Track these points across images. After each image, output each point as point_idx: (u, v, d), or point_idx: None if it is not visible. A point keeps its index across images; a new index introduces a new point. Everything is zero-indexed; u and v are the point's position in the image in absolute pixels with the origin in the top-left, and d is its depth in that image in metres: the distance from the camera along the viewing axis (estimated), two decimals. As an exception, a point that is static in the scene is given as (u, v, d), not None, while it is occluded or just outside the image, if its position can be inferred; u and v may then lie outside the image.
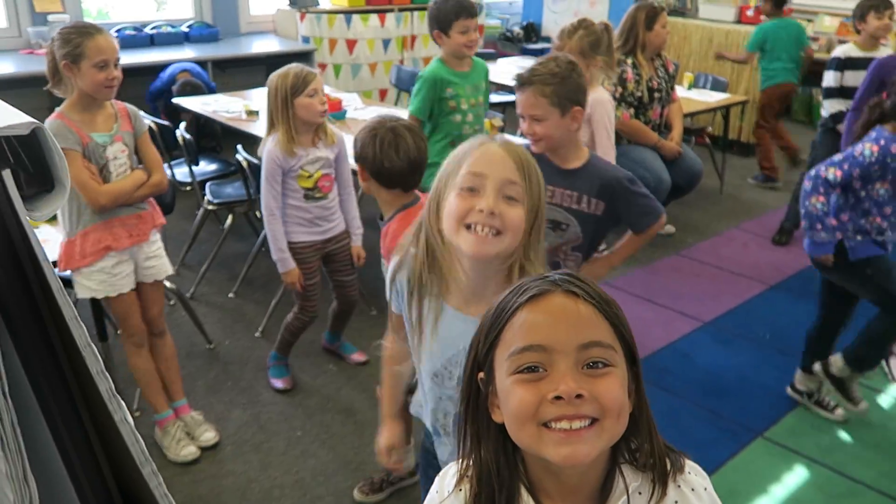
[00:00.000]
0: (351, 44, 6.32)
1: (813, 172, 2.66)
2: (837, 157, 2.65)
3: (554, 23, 7.42)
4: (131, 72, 5.06)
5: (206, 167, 4.23)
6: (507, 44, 7.58)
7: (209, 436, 2.70)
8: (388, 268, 1.57)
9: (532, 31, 7.66)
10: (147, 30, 5.67)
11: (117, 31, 5.51)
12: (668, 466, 0.94)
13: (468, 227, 1.32)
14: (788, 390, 3.08)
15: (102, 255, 2.44)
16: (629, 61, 4.07)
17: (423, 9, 6.80)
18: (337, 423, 2.85)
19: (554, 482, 0.94)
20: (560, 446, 0.86)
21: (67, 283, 2.51)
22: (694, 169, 4.45)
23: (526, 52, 7.18)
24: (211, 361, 3.21)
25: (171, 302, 3.58)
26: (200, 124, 4.46)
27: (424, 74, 3.18)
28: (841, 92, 4.31)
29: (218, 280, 3.85)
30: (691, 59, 6.44)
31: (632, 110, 4.17)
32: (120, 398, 0.63)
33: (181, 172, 4.04)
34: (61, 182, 0.61)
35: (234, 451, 2.69)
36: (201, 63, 5.40)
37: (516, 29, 7.70)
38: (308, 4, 6.17)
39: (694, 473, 0.97)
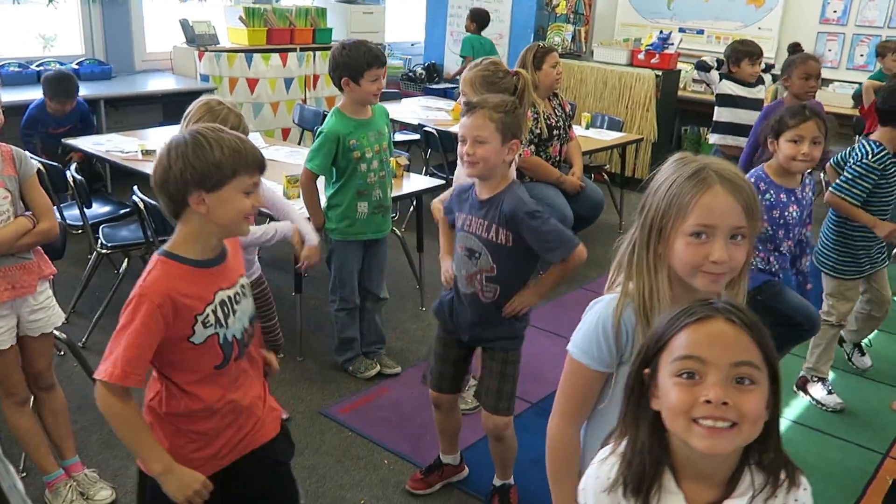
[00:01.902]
0: (252, 83, 6.23)
1: None
2: None
3: (455, 63, 7.56)
4: (17, 109, 4.84)
5: (98, 209, 4.04)
6: (410, 84, 7.66)
7: (105, 494, 2.52)
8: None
9: (434, 71, 7.77)
10: (34, 66, 5.42)
11: (0, 66, 5.24)
12: (783, 476, 1.16)
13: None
14: None
15: None
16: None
17: (325, 48, 6.80)
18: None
19: (692, 467, 1.16)
20: (704, 439, 1.08)
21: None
22: (596, 199, 4.60)
23: (429, 92, 7.27)
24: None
25: (61, 352, 3.37)
26: (88, 164, 4.25)
27: (325, 130, 3.08)
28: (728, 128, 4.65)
29: (112, 327, 3.58)
30: (588, 100, 6.68)
31: (532, 147, 4.26)
32: (8, 462, 0.57)
33: (71, 215, 3.83)
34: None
35: (133, 509, 2.52)
36: (92, 101, 5.20)
37: (418, 69, 7.79)
38: (207, 42, 6.06)
39: (803, 489, 1.18)
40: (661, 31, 6.58)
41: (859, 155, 3.11)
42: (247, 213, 1.65)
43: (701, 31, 7.93)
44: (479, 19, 7.03)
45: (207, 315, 1.64)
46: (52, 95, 4.48)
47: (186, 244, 1.64)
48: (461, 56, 7.09)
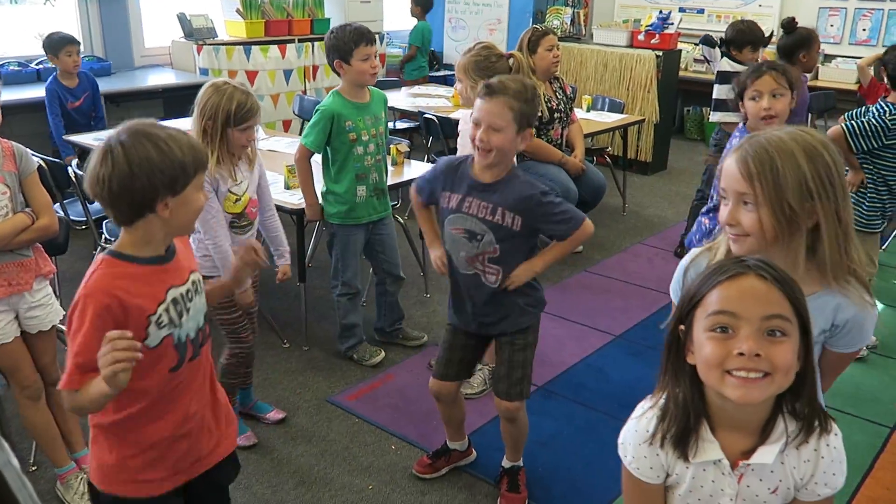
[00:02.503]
0: (252, 75, 6.23)
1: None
2: None
3: (454, 50, 7.54)
4: (19, 108, 4.85)
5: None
6: (410, 72, 7.63)
7: (115, 486, 2.54)
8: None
9: (434, 58, 7.74)
10: (33, 65, 5.43)
11: (0, 66, 5.25)
12: (816, 423, 1.21)
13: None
14: None
15: None
16: (529, 83, 4.16)
17: (323, 39, 6.79)
18: (253, 463, 2.75)
19: (727, 417, 1.22)
20: (737, 389, 1.14)
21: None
22: (598, 182, 4.58)
23: (430, 80, 7.25)
24: (114, 407, 3.04)
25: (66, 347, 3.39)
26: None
27: (322, 107, 3.10)
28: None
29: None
30: (588, 83, 6.65)
31: (533, 129, 4.25)
32: (2, 439, 0.57)
33: (75, 211, 3.85)
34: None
35: (143, 499, 2.54)
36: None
37: (418, 57, 7.76)
38: (205, 36, 6.05)
39: (834, 434, 1.25)
40: (660, 11, 6.53)
41: (877, 112, 3.23)
42: (202, 209, 1.60)
43: (701, 11, 7.89)
44: (425, 3, 6.98)
45: (160, 315, 1.55)
46: (60, 46, 4.59)
47: (136, 247, 1.56)
48: (409, 45, 7.05)
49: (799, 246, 1.38)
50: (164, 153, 1.49)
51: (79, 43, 4.76)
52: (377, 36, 5.68)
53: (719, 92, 4.72)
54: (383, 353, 3.40)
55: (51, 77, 4.77)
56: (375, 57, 3.09)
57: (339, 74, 3.11)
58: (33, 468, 2.65)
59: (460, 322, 2.45)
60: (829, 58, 7.29)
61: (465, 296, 2.37)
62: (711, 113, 4.67)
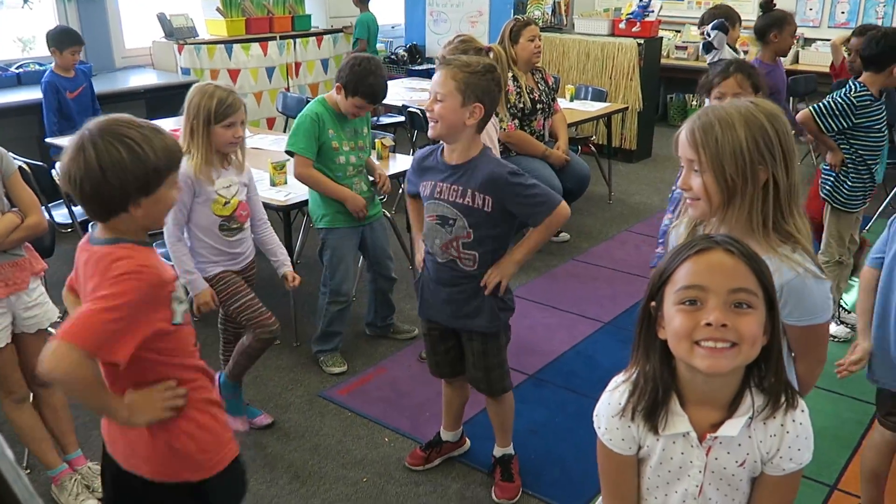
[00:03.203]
0: (234, 73, 6.21)
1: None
2: None
3: (436, 43, 7.53)
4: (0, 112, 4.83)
5: (87, 207, 4.04)
6: (393, 66, 7.63)
7: (109, 487, 2.55)
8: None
9: (416, 52, 7.74)
10: (13, 69, 5.40)
11: (-21, 71, 5.22)
12: (783, 399, 1.24)
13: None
14: None
15: None
16: (510, 75, 4.17)
17: (306, 35, 6.77)
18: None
19: (697, 391, 1.25)
20: (705, 359, 1.17)
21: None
22: (582, 173, 4.60)
23: (412, 74, 7.25)
24: (106, 409, 3.04)
25: (59, 350, 3.38)
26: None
27: (306, 112, 3.10)
28: None
29: (108, 324, 3.66)
30: (571, 73, 6.67)
31: (516, 121, 4.27)
32: (-4, 431, 0.58)
33: (60, 214, 3.84)
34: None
35: (138, 499, 2.54)
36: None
37: (400, 51, 7.76)
38: (186, 35, 6.03)
39: (801, 410, 1.26)
40: (640, 0, 6.56)
41: (844, 91, 3.29)
42: (175, 203, 1.62)
43: (682, -5, 7.92)
44: None
45: (179, 290, 1.61)
46: (67, 44, 4.64)
47: (127, 234, 1.58)
48: (356, 39, 6.93)
49: (748, 209, 1.45)
50: (137, 157, 1.49)
51: (83, 43, 4.84)
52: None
53: None
54: (346, 367, 3.33)
55: (47, 72, 4.75)
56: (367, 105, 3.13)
57: (336, 91, 3.09)
58: (27, 471, 2.65)
59: (432, 314, 2.41)
60: (808, 42, 7.34)
61: (440, 285, 2.34)
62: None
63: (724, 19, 4.55)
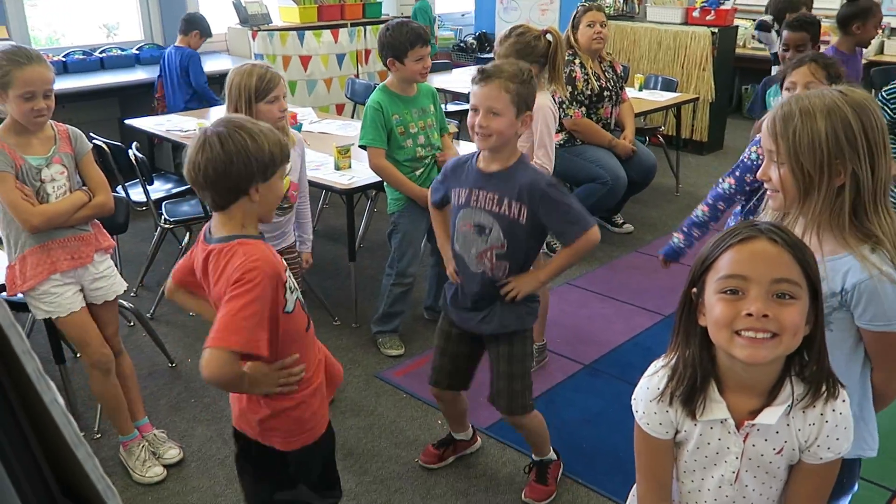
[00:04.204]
0: (305, 60, 6.32)
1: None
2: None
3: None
4: (82, 96, 5.05)
5: (160, 186, 4.20)
6: (461, 54, 7.65)
7: (173, 453, 2.66)
8: None
9: (485, 40, 7.74)
10: (97, 53, 5.62)
11: (66, 55, 5.46)
12: (824, 388, 1.22)
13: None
14: None
15: (43, 279, 2.40)
16: (577, 61, 4.13)
17: (376, 23, 6.84)
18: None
19: (736, 378, 1.24)
20: (745, 349, 1.16)
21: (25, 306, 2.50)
22: (648, 163, 4.53)
23: (480, 62, 7.25)
24: (173, 380, 3.17)
25: (131, 323, 3.54)
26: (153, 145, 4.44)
27: (369, 103, 3.14)
28: None
29: (178, 299, 3.81)
30: (642, 62, 6.55)
31: (583, 109, 4.23)
32: (48, 378, 0.63)
33: (136, 193, 4.00)
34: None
35: (199, 467, 2.65)
36: (152, 84, 5.38)
37: (469, 39, 7.77)
38: (260, 22, 6.16)
39: (842, 400, 1.25)
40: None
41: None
42: (282, 195, 1.74)
43: (761, -15, 7.67)
44: None
45: (288, 280, 1.70)
46: (205, 31, 5.28)
47: (245, 228, 1.69)
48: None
49: (826, 205, 1.39)
50: (258, 143, 1.64)
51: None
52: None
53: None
54: (403, 350, 3.37)
55: (191, 53, 5.19)
56: (428, 56, 3.14)
57: (389, 70, 3.13)
58: (97, 436, 2.79)
59: (457, 311, 2.36)
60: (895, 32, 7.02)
61: (469, 294, 2.29)
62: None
63: (780, 11, 4.39)
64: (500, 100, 2.07)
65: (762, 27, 4.74)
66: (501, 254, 2.20)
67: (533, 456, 2.58)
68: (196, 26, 5.24)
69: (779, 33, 4.57)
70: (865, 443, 1.52)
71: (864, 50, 4.17)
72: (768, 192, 1.50)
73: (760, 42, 4.75)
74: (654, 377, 1.33)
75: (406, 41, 3.03)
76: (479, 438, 2.77)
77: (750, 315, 1.15)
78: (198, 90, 5.20)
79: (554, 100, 3.07)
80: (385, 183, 3.27)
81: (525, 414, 2.37)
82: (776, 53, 4.57)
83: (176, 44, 5.22)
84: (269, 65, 2.65)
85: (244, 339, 1.56)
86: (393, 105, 3.13)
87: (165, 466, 2.62)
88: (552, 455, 2.56)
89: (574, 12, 4.21)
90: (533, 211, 2.13)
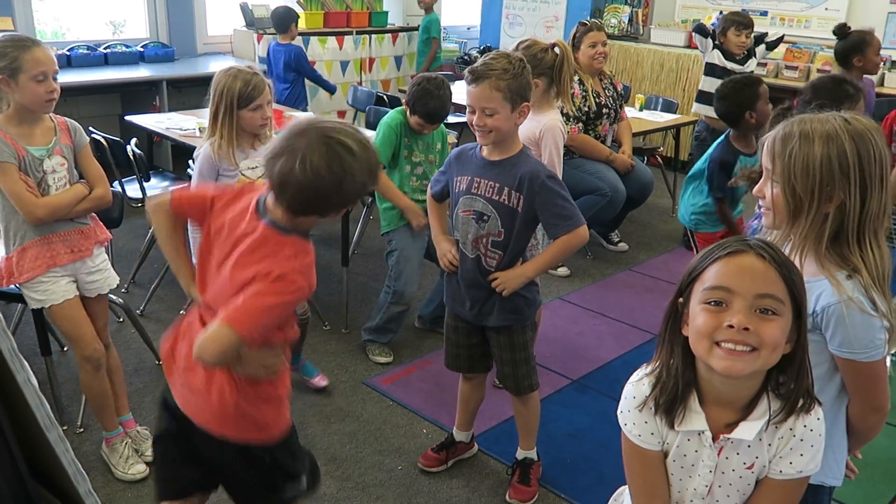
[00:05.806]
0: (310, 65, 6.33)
1: None
2: None
3: (511, 46, 7.54)
4: (84, 90, 5.06)
5: (157, 184, 4.20)
6: (465, 67, 7.67)
7: (155, 451, 2.65)
8: None
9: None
10: (101, 49, 5.64)
11: (70, 49, 5.47)
12: (800, 404, 1.23)
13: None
14: None
15: (41, 272, 2.39)
16: (576, 78, 4.15)
17: (381, 32, 6.88)
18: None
19: (714, 391, 1.25)
20: (723, 360, 1.17)
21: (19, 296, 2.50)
22: (645, 179, 4.55)
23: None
24: (159, 378, 3.15)
25: (120, 319, 3.53)
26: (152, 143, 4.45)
27: (387, 120, 3.22)
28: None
29: (169, 297, 3.80)
30: (644, 83, 6.58)
31: (580, 125, 4.24)
32: (22, 358, 0.63)
33: (132, 189, 3.99)
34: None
35: (182, 466, 2.64)
36: (155, 82, 5.39)
37: (474, 52, 7.79)
38: (266, 26, 6.19)
39: (816, 417, 1.25)
40: (720, 12, 6.41)
41: None
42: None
43: (765, 13, 7.70)
44: None
45: None
46: (292, 17, 5.47)
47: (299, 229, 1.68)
48: (429, 38, 6.98)
49: (811, 230, 1.40)
50: (365, 169, 1.58)
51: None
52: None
53: (704, 84, 4.72)
54: (392, 358, 3.35)
55: (293, 47, 5.46)
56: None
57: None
58: (80, 430, 2.77)
59: (459, 310, 2.41)
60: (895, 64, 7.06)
61: (466, 283, 2.34)
62: (694, 103, 4.69)
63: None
64: (492, 99, 2.11)
65: (700, 30, 4.77)
66: (497, 242, 2.25)
67: (517, 454, 2.59)
68: (290, 20, 5.41)
69: (716, 45, 4.68)
70: (830, 470, 1.51)
71: (873, 79, 4.17)
72: (762, 210, 1.51)
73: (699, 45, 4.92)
74: (639, 384, 1.33)
75: (422, 110, 3.13)
76: (476, 444, 2.77)
77: (731, 327, 1.16)
78: (313, 82, 5.65)
79: (562, 114, 3.10)
80: (379, 202, 3.30)
81: (532, 392, 2.47)
82: (709, 63, 4.67)
83: (278, 41, 5.48)
84: (257, 69, 2.65)
85: (255, 333, 1.57)
86: (406, 130, 3.22)
87: (147, 464, 2.60)
88: (534, 454, 2.59)
89: (574, 31, 4.22)
90: (529, 201, 2.18)
